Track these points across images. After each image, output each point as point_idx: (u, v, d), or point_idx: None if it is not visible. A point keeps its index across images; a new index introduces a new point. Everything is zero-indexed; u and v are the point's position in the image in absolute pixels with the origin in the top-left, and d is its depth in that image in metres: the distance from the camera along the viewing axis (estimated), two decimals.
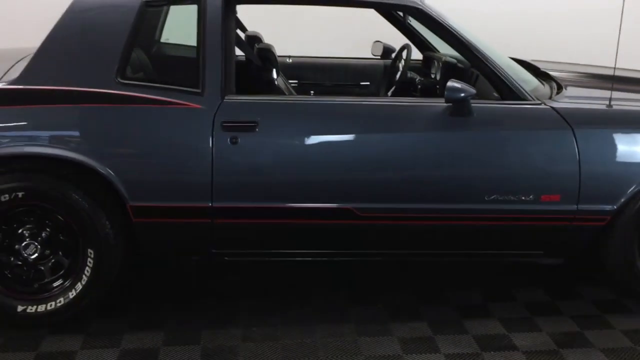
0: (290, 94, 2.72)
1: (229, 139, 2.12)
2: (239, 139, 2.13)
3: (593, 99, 2.48)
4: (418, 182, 2.21)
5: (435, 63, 2.97)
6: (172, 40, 2.98)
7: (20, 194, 2.09)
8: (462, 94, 2.16)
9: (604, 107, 2.35)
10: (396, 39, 3.11)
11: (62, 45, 2.16)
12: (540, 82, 2.58)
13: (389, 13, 2.97)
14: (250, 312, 2.33)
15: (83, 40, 2.16)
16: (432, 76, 2.98)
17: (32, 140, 2.09)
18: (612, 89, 2.37)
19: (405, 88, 2.87)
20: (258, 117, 2.15)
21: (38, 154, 2.10)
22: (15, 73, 2.18)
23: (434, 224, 2.25)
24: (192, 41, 2.31)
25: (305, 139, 2.18)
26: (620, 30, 2.31)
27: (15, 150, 2.09)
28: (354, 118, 2.23)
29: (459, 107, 2.21)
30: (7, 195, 2.09)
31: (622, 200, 2.25)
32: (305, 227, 2.23)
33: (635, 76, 2.83)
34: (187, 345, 2.12)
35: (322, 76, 3.24)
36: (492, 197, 2.22)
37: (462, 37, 2.29)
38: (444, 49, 2.90)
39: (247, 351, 2.09)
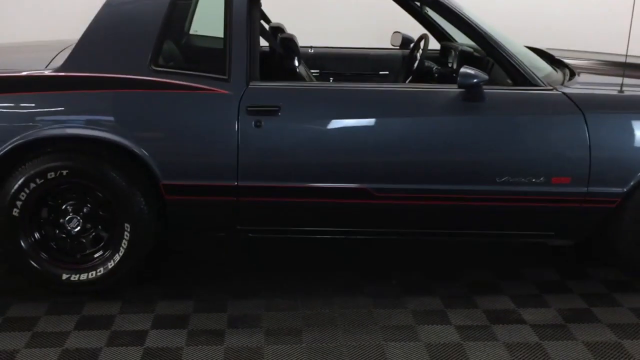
0: (312, 81, 2.86)
1: (253, 123, 2.28)
2: (263, 123, 2.28)
3: (604, 85, 2.54)
4: (432, 164, 2.32)
5: (452, 52, 3.06)
6: (200, 32, 3.15)
7: (64, 172, 2.28)
8: (475, 80, 2.26)
9: (615, 92, 2.42)
10: (415, 29, 3.21)
11: (101, 35, 2.34)
12: (554, 68, 2.66)
13: (407, 3, 3.07)
14: (272, 285, 2.49)
15: (120, 30, 2.34)
16: (449, 65, 3.07)
17: (74, 123, 2.28)
18: (623, 76, 2.44)
19: (423, 77, 2.97)
20: (280, 102, 2.29)
21: (80, 136, 2.29)
22: (59, 61, 2.38)
23: (447, 204, 2.36)
24: (219, 32, 2.46)
25: (325, 122, 2.32)
26: (632, 17, 2.37)
27: (60, 132, 2.28)
28: (371, 103, 2.35)
29: (472, 92, 2.31)
30: (52, 173, 2.28)
31: (632, 183, 2.31)
32: (324, 205, 2.37)
33: None
34: (215, 312, 2.29)
35: (342, 66, 3.36)
36: (504, 178, 2.31)
37: (476, 26, 2.38)
38: (461, 39, 2.99)
39: (269, 319, 2.25)
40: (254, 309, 2.32)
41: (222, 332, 2.18)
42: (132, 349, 2.07)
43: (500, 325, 2.23)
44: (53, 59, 2.47)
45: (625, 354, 2.07)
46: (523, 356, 2.05)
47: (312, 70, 3.25)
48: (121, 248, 2.34)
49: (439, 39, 3.24)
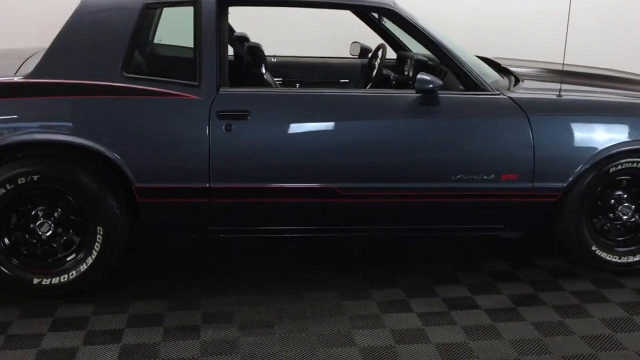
0: (278, 87, 2.98)
1: (223, 127, 2.38)
2: (233, 127, 2.39)
3: (545, 90, 2.79)
4: (392, 164, 2.49)
5: (408, 61, 3.26)
6: (162, 40, 3.22)
7: (35, 177, 2.31)
8: (430, 85, 2.45)
9: (554, 96, 2.67)
10: (372, 39, 3.40)
11: (72, 42, 2.39)
12: (501, 75, 2.90)
13: (365, 15, 3.26)
14: (244, 283, 2.59)
15: (91, 38, 2.40)
16: (405, 73, 3.26)
17: (46, 129, 2.32)
18: (561, 82, 2.69)
19: (381, 84, 3.15)
20: (250, 107, 2.41)
21: (52, 141, 2.33)
22: (28, 68, 2.41)
23: (406, 202, 2.53)
24: (183, 41, 2.54)
25: (292, 126, 2.45)
26: (567, 31, 2.63)
27: (31, 138, 2.31)
28: (335, 108, 2.50)
29: (428, 97, 2.50)
30: (23, 179, 2.31)
31: (571, 178, 2.55)
32: (293, 205, 2.49)
33: (582, 70, 3.17)
34: (189, 310, 2.37)
35: (304, 74, 3.50)
36: (458, 176, 2.51)
37: (431, 36, 2.58)
38: (416, 49, 3.20)
39: (243, 314, 2.35)
40: (227, 306, 2.41)
41: (198, 327, 2.25)
42: (109, 346, 2.12)
43: (458, 311, 2.41)
44: (21, 66, 2.49)
45: (568, 330, 2.29)
46: (478, 337, 2.24)
47: (276, 79, 3.37)
48: (94, 251, 2.39)
49: (395, 49, 3.44)
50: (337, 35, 3.67)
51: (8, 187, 2.30)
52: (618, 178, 2.66)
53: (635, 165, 2.62)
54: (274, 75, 3.35)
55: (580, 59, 3.19)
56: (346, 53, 3.57)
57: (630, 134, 2.59)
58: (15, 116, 2.33)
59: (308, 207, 2.51)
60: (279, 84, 3.40)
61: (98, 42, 2.40)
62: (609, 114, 2.65)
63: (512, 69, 3.01)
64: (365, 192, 2.49)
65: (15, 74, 2.41)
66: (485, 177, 2.52)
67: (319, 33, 4.07)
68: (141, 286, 2.54)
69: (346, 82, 3.54)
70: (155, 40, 3.18)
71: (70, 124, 2.33)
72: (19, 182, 2.31)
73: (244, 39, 3.21)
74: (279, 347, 2.14)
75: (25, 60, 2.56)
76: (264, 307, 2.40)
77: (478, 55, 3.03)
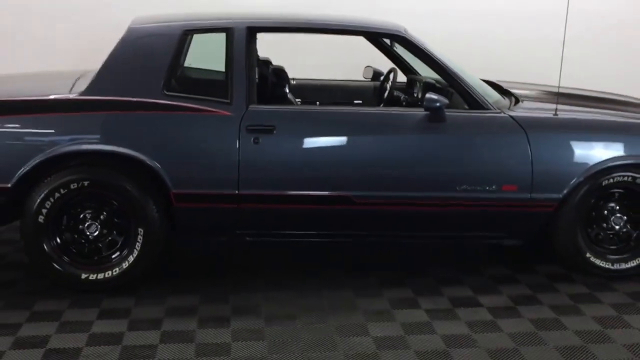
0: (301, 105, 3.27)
1: (252, 140, 2.67)
2: (260, 140, 2.68)
3: (542, 110, 3.06)
4: (402, 174, 2.76)
5: (417, 84, 3.54)
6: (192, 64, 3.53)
7: (85, 183, 2.61)
8: (438, 104, 2.73)
9: (550, 115, 2.93)
10: (384, 64, 3.69)
11: (120, 64, 2.71)
12: (502, 96, 3.17)
13: (377, 41, 3.56)
14: (267, 281, 2.84)
15: (137, 60, 2.71)
16: (415, 95, 3.54)
17: (95, 140, 2.63)
18: (557, 102, 2.96)
19: (393, 105, 3.42)
20: (276, 122, 2.70)
21: (100, 151, 2.63)
22: (81, 87, 2.72)
23: (414, 209, 2.79)
24: (211, 64, 2.81)
25: (314, 139, 2.74)
26: (562, 56, 2.91)
27: (82, 148, 2.62)
28: (352, 123, 2.79)
29: (435, 114, 2.77)
30: (75, 184, 2.61)
31: (566, 190, 2.80)
32: (312, 211, 2.76)
33: (576, 92, 3.44)
34: (219, 304, 2.63)
35: (321, 95, 3.79)
36: (462, 187, 2.76)
37: (438, 59, 2.86)
38: (425, 72, 3.48)
39: (267, 308, 2.61)
40: (253, 300, 2.66)
41: (228, 318, 2.51)
42: (151, 332, 2.38)
43: (462, 308, 2.64)
44: (73, 85, 2.81)
45: (562, 326, 2.52)
46: (480, 329, 2.47)
47: (296, 99, 3.66)
48: (135, 250, 2.67)
49: (405, 73, 3.72)
50: (351, 60, 3.97)
51: (62, 191, 2.60)
52: (611, 191, 2.90)
53: (626, 179, 2.85)
54: (293, 96, 3.64)
55: (576, 82, 3.46)
56: (360, 76, 3.86)
57: (621, 150, 2.83)
58: (70, 129, 2.63)
59: (326, 213, 2.77)
60: (299, 103, 3.68)
61: (142, 64, 2.71)
62: (601, 131, 2.91)
63: (512, 90, 3.28)
64: (377, 200, 2.75)
65: (70, 91, 2.73)
66: (487, 187, 2.76)
67: (335, 58, 4.38)
68: (175, 283, 2.81)
69: (360, 103, 3.82)
70: (185, 64, 3.48)
71: (117, 136, 2.63)
72: (72, 187, 2.60)
73: (268, 62, 3.53)
74: (301, 336, 2.39)
75: (77, 80, 2.88)
76: (286, 302, 2.65)
77: (482, 78, 3.31)
